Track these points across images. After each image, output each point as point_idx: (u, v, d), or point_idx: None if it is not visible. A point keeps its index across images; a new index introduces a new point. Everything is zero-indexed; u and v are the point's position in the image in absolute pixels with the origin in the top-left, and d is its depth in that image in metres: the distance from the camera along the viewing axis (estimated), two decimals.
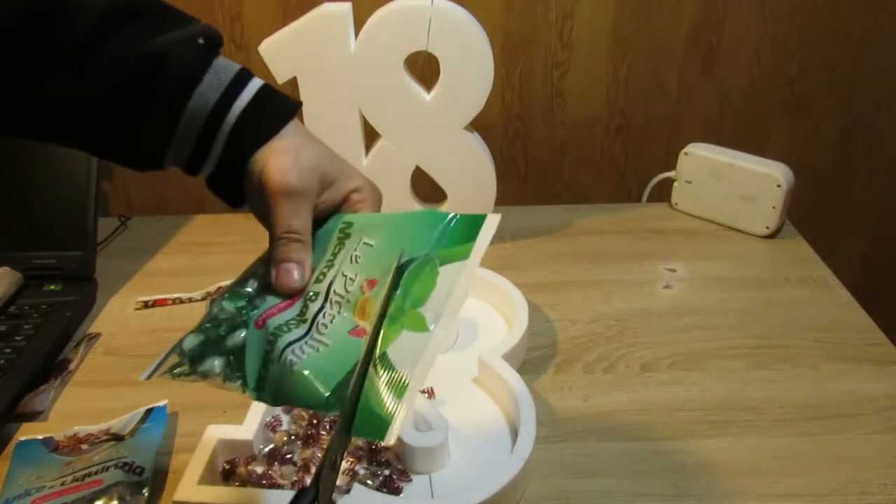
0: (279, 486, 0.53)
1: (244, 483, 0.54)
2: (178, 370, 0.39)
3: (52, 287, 0.77)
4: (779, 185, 0.85)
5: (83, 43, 0.39)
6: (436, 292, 0.34)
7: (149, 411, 0.61)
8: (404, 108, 0.79)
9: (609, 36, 1.02)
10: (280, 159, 0.41)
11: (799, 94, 1.07)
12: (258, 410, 0.58)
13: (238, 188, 0.44)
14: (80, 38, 0.39)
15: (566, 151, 1.12)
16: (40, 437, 0.59)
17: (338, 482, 0.53)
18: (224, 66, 0.42)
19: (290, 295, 0.41)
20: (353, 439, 0.35)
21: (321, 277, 0.40)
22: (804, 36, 1.03)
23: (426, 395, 0.62)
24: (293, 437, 0.58)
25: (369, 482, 0.53)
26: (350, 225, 0.42)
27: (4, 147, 0.80)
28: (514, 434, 0.58)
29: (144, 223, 0.95)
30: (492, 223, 0.37)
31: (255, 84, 0.43)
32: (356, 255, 0.39)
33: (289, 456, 0.56)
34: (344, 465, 0.55)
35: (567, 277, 0.82)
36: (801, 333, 0.72)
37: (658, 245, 0.89)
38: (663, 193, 0.98)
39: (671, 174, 0.95)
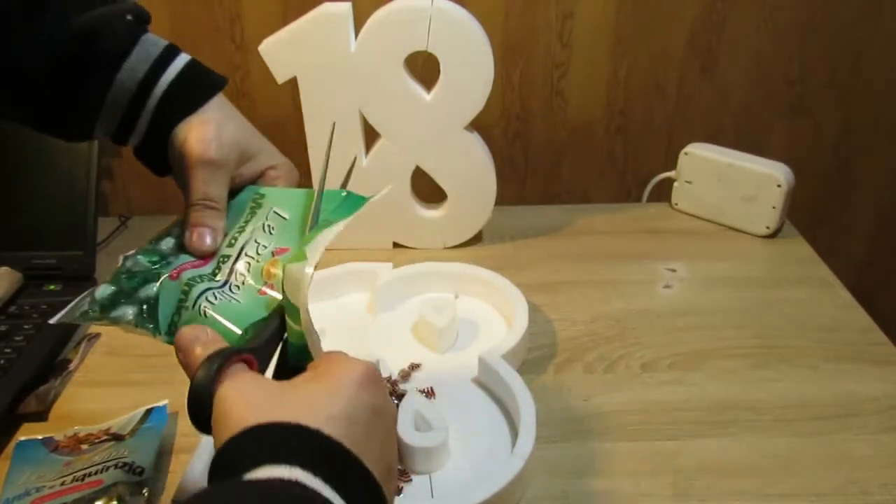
0: None
1: None
2: (89, 315, 0.41)
3: (52, 287, 0.77)
4: (779, 185, 0.85)
5: (15, 19, 0.40)
6: (315, 243, 0.40)
7: (149, 411, 0.61)
8: (404, 108, 0.79)
9: (609, 36, 1.02)
10: (201, 131, 0.44)
11: (799, 94, 1.07)
12: None
13: (164, 158, 0.46)
14: (11, 13, 0.40)
15: (566, 152, 1.12)
16: (40, 437, 0.59)
17: None
18: (153, 41, 0.45)
19: (203, 257, 0.44)
20: None
21: (233, 242, 0.44)
22: (804, 36, 1.03)
23: (426, 395, 0.62)
24: None
25: None
26: (262, 196, 0.46)
27: (5, 147, 0.80)
28: (514, 434, 0.58)
29: (144, 223, 0.95)
30: (376, 198, 0.46)
31: (183, 59, 0.45)
32: (269, 226, 0.44)
33: None
34: None
35: (567, 277, 0.82)
36: (802, 333, 0.72)
37: (658, 245, 0.89)
38: (663, 193, 0.98)
39: (671, 174, 0.95)
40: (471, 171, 0.83)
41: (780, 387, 0.65)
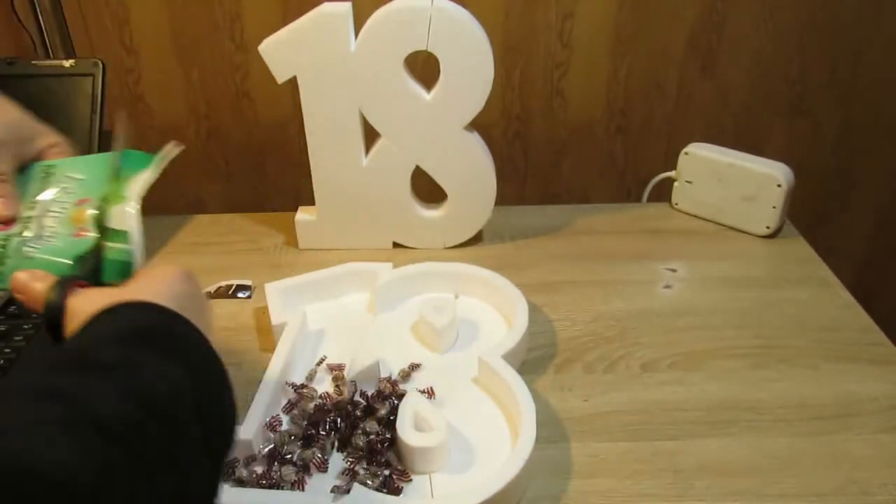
0: (279, 486, 0.53)
1: (244, 483, 0.54)
2: None
3: None
4: (779, 185, 0.85)
5: None
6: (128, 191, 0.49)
7: None
8: (404, 108, 0.79)
9: (609, 36, 1.02)
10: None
11: (799, 94, 1.07)
12: (258, 411, 0.58)
13: None
14: None
15: (566, 151, 1.12)
16: None
17: (338, 482, 0.53)
18: None
19: (4, 222, 0.48)
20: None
21: (33, 206, 0.49)
22: (804, 36, 1.03)
23: (426, 395, 0.62)
24: (293, 437, 0.58)
25: (369, 482, 0.53)
26: (52, 167, 0.51)
27: None
28: (515, 434, 0.58)
29: (144, 223, 0.95)
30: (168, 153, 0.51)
31: None
32: (66, 187, 0.49)
33: (288, 456, 0.56)
34: (344, 465, 0.56)
35: (567, 277, 0.82)
36: (801, 333, 0.72)
37: (658, 245, 0.89)
38: (663, 193, 0.98)
39: (671, 174, 0.95)
40: (471, 171, 0.83)
41: (780, 387, 0.65)
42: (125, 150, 0.51)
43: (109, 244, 0.47)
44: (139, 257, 0.48)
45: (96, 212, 0.48)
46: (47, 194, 0.49)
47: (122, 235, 0.47)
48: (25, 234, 0.47)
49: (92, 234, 0.48)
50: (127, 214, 0.48)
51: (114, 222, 0.48)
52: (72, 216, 0.48)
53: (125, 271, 0.47)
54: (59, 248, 0.46)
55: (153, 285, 0.40)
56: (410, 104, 0.79)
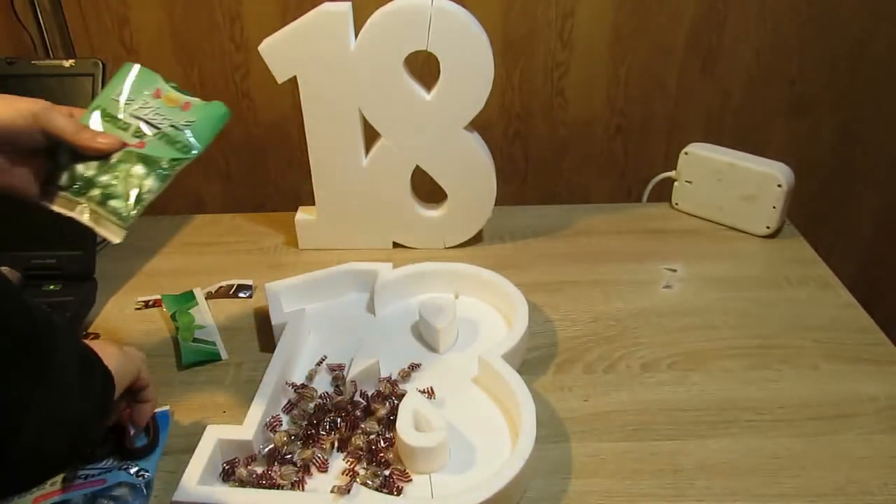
0: (279, 486, 0.53)
1: (244, 483, 0.54)
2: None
3: (52, 287, 0.77)
4: (779, 185, 0.85)
5: None
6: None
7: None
8: (404, 108, 0.79)
9: (609, 35, 1.02)
10: (18, 100, 0.50)
11: (799, 94, 1.07)
12: (258, 411, 0.58)
13: None
14: None
15: (566, 151, 1.12)
16: None
17: (338, 482, 0.53)
18: None
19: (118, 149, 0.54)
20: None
21: (126, 125, 0.55)
22: (804, 36, 1.03)
23: (426, 395, 0.62)
24: (293, 437, 0.58)
25: (369, 482, 0.53)
26: (96, 103, 0.56)
27: None
28: (515, 434, 0.58)
29: (144, 223, 0.94)
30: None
31: None
32: (122, 103, 0.57)
33: (288, 456, 0.56)
34: (344, 465, 0.56)
35: (567, 277, 0.82)
36: (801, 333, 0.72)
37: (658, 245, 0.89)
38: (663, 193, 0.98)
39: (671, 174, 0.95)
40: (471, 171, 0.83)
41: (780, 387, 0.65)
42: (125, 65, 0.59)
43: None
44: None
45: (172, 85, 0.59)
46: (124, 112, 0.56)
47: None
48: (150, 133, 0.55)
49: (195, 99, 0.58)
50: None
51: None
52: (164, 101, 0.57)
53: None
54: (191, 121, 0.56)
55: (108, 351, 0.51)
56: (410, 104, 0.79)
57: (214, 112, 0.57)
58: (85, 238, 0.79)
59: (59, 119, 0.51)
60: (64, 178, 0.53)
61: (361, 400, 0.62)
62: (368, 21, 0.75)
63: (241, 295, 0.80)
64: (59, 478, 0.54)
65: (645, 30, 1.02)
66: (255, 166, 1.13)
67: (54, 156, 0.53)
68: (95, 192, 0.52)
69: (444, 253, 0.88)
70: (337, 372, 0.65)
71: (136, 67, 0.59)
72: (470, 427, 0.60)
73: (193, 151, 0.55)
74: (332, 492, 0.51)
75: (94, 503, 0.52)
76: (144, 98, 0.57)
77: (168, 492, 0.54)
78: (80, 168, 0.53)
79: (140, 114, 0.56)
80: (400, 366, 0.66)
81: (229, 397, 0.65)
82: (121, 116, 0.55)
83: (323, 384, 0.65)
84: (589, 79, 1.05)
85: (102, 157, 0.53)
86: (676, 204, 0.96)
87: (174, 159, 0.54)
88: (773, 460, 0.57)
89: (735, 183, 0.89)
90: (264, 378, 0.62)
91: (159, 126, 0.55)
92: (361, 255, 0.82)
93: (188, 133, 0.55)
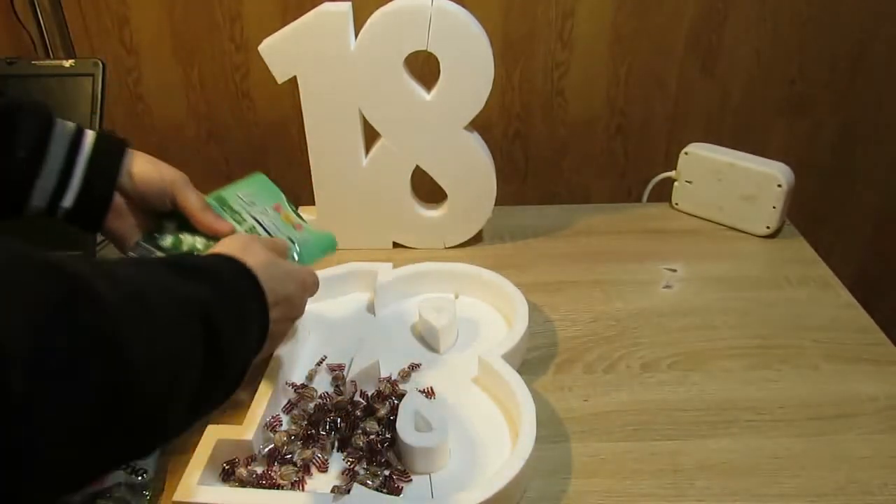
0: (279, 487, 0.53)
1: (244, 483, 0.54)
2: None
3: None
4: (779, 185, 0.85)
5: None
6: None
7: None
8: (404, 108, 0.79)
9: (609, 35, 1.02)
10: (159, 164, 0.57)
11: (799, 94, 1.07)
12: (258, 411, 0.58)
13: (99, 214, 0.56)
14: None
15: (566, 151, 1.12)
16: None
17: (338, 482, 0.53)
18: (62, 123, 0.53)
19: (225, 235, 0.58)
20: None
21: (242, 220, 0.61)
22: (804, 36, 1.03)
23: (426, 395, 0.62)
24: (293, 437, 0.58)
25: (369, 482, 0.53)
26: (221, 197, 0.62)
27: None
28: (514, 434, 0.58)
29: None
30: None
31: (90, 132, 0.54)
32: (245, 202, 0.62)
33: (288, 456, 0.56)
34: (344, 465, 0.56)
35: (567, 277, 0.82)
36: (801, 333, 0.72)
37: (658, 245, 0.89)
38: (663, 193, 0.98)
39: (671, 174, 0.95)
40: (471, 171, 0.83)
41: (780, 387, 0.65)
42: (257, 174, 0.66)
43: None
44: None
45: (292, 209, 0.65)
46: (245, 210, 0.62)
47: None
48: (261, 234, 0.60)
49: (307, 224, 0.64)
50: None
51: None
52: (282, 217, 0.64)
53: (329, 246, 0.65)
54: (303, 240, 0.62)
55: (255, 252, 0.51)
56: (410, 104, 0.79)
57: (324, 240, 0.64)
58: (85, 238, 0.79)
59: (192, 195, 0.57)
60: (168, 240, 0.58)
61: (361, 400, 0.62)
62: (368, 21, 0.75)
63: None
64: None
65: (645, 30, 1.02)
66: (255, 166, 1.12)
67: (162, 218, 0.58)
68: None
69: (444, 253, 0.88)
70: (337, 372, 0.65)
71: (265, 178, 0.66)
72: (470, 427, 0.60)
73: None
74: (332, 492, 0.51)
75: (93, 503, 0.52)
76: (265, 206, 0.63)
77: (168, 492, 0.54)
78: (188, 237, 0.58)
79: (258, 217, 0.62)
80: (400, 366, 0.66)
81: None
82: (239, 210, 0.61)
83: (323, 384, 0.65)
84: (589, 79, 1.05)
85: (213, 237, 0.58)
86: (676, 204, 0.96)
87: None
88: (773, 460, 0.57)
89: (735, 183, 0.89)
90: (264, 378, 0.62)
91: (272, 234, 0.61)
92: (361, 255, 0.82)
93: (296, 250, 0.61)
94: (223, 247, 0.50)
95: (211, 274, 0.43)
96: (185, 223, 0.58)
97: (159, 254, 0.57)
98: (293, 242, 0.61)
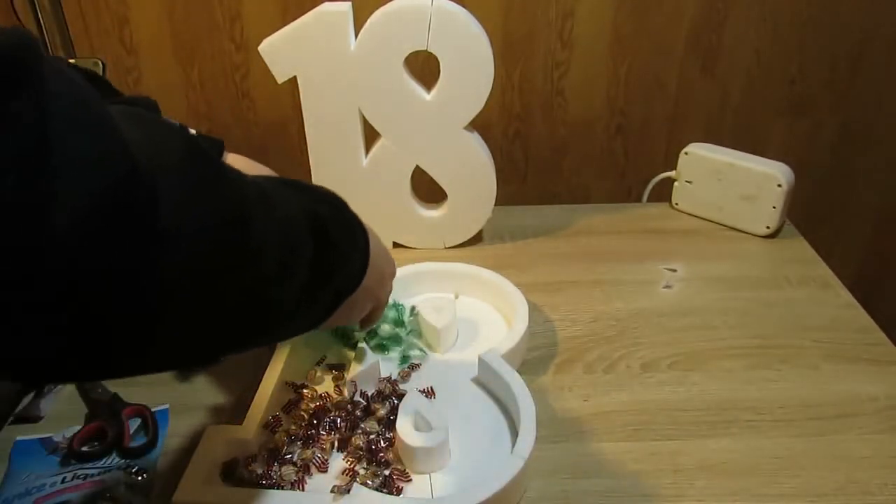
0: (279, 487, 0.53)
1: (244, 483, 0.54)
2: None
3: None
4: (779, 185, 0.85)
5: None
6: None
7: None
8: (404, 108, 0.79)
9: (609, 35, 1.02)
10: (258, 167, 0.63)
11: (799, 94, 1.07)
12: (258, 411, 0.58)
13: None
14: None
15: (566, 151, 1.12)
16: (39, 436, 0.59)
17: (338, 482, 0.53)
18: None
19: None
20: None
21: None
22: (804, 36, 1.03)
23: (426, 395, 0.62)
24: (293, 438, 0.58)
25: (369, 482, 0.53)
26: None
27: None
28: (514, 434, 0.58)
29: None
30: None
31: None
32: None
33: (288, 456, 0.56)
34: (344, 464, 0.56)
35: (567, 277, 0.82)
36: (801, 333, 0.72)
37: (658, 245, 0.89)
38: (663, 193, 0.98)
39: (671, 174, 0.95)
40: (471, 171, 0.83)
41: (780, 387, 0.65)
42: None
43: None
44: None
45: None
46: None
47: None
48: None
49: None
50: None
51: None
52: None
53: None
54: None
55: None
56: (410, 104, 0.79)
57: None
58: None
59: None
60: None
61: (361, 400, 0.62)
62: (368, 21, 0.75)
63: None
64: (58, 477, 0.54)
65: (645, 30, 1.02)
66: None
67: None
68: None
69: (444, 253, 0.88)
70: (337, 372, 0.65)
71: None
72: (470, 427, 0.60)
73: None
74: (332, 492, 0.51)
75: (93, 503, 0.52)
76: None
77: (168, 492, 0.54)
78: None
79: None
80: (400, 366, 0.66)
81: (229, 397, 0.65)
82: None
83: (323, 384, 0.65)
84: (589, 79, 1.05)
85: None
86: (676, 204, 0.96)
87: None
88: (773, 460, 0.57)
89: (735, 183, 0.89)
90: (264, 378, 0.62)
91: None
92: None
93: None
94: None
95: (334, 202, 0.47)
96: None
97: None
98: None
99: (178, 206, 0.29)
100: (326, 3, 0.75)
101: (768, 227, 0.88)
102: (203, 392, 0.65)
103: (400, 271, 0.76)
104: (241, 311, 0.36)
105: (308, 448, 0.57)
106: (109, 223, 0.26)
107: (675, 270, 0.83)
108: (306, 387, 0.63)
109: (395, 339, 0.68)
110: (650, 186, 1.01)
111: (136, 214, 0.27)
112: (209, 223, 0.31)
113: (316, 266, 0.41)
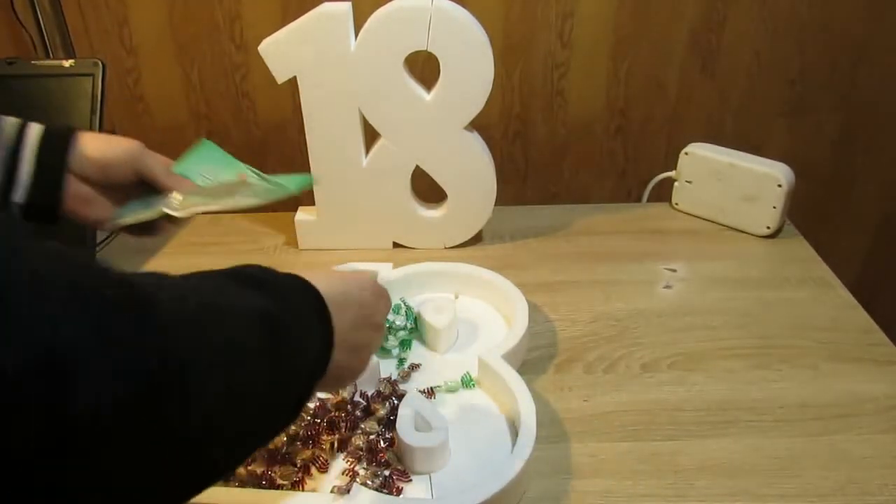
0: (279, 487, 0.53)
1: (244, 483, 0.54)
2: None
3: None
4: (779, 185, 0.85)
5: None
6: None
7: None
8: (404, 108, 0.79)
9: (609, 36, 1.02)
10: (114, 137, 0.55)
11: (799, 94, 1.07)
12: None
13: (53, 203, 0.53)
14: None
15: (566, 151, 1.12)
16: None
17: (338, 482, 0.53)
18: (4, 117, 0.52)
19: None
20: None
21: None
22: (804, 36, 1.03)
23: (426, 395, 0.62)
24: (293, 438, 0.58)
25: (369, 482, 0.53)
26: (182, 168, 0.59)
27: None
28: (514, 434, 0.58)
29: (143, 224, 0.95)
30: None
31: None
32: (212, 177, 0.61)
33: (289, 456, 0.56)
34: (344, 465, 0.56)
35: (567, 277, 0.82)
36: (802, 333, 0.72)
37: (658, 245, 0.89)
38: (663, 193, 0.98)
39: (671, 174, 0.95)
40: (471, 171, 0.83)
41: (780, 387, 0.65)
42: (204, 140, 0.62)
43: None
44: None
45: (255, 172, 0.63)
46: (214, 183, 0.61)
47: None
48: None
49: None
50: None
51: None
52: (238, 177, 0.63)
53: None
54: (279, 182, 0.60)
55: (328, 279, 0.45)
56: (410, 104, 0.79)
57: (299, 177, 0.61)
58: (85, 238, 0.79)
59: (151, 159, 0.56)
60: (134, 209, 0.56)
61: (361, 400, 0.62)
62: (368, 21, 0.75)
63: None
64: None
65: (645, 30, 1.02)
66: (255, 166, 1.13)
67: (128, 191, 0.56)
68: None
69: (444, 253, 0.88)
70: None
71: (213, 147, 0.64)
72: (470, 427, 0.60)
73: (287, 188, 0.59)
74: (331, 492, 0.51)
75: None
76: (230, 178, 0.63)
77: None
78: (156, 200, 0.56)
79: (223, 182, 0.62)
80: (400, 366, 0.66)
81: None
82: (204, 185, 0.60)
83: None
84: (589, 79, 1.05)
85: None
86: (676, 204, 0.96)
87: (269, 186, 0.60)
88: (773, 460, 0.57)
89: (735, 183, 0.89)
90: None
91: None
92: (361, 255, 0.82)
93: (279, 180, 0.60)
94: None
95: (272, 286, 0.39)
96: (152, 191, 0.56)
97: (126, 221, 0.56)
98: (275, 184, 0.60)
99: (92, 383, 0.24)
100: (326, 3, 0.75)
101: (769, 228, 0.88)
102: None
103: (400, 271, 0.76)
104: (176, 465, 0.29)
105: (308, 448, 0.57)
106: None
107: (675, 270, 0.83)
108: None
109: (405, 344, 0.68)
110: (650, 187, 1.01)
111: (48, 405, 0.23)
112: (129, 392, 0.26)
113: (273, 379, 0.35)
